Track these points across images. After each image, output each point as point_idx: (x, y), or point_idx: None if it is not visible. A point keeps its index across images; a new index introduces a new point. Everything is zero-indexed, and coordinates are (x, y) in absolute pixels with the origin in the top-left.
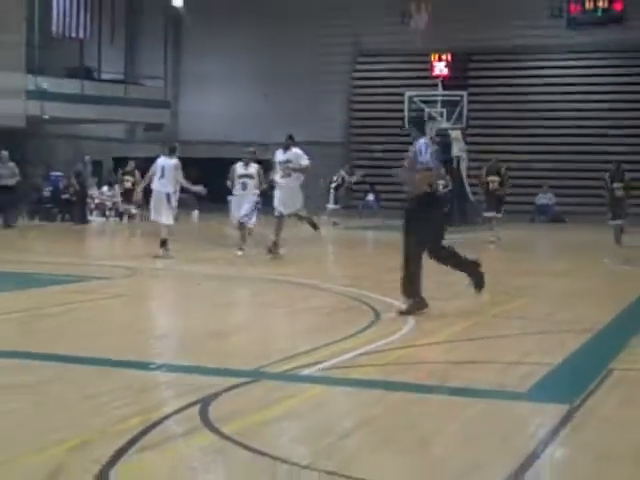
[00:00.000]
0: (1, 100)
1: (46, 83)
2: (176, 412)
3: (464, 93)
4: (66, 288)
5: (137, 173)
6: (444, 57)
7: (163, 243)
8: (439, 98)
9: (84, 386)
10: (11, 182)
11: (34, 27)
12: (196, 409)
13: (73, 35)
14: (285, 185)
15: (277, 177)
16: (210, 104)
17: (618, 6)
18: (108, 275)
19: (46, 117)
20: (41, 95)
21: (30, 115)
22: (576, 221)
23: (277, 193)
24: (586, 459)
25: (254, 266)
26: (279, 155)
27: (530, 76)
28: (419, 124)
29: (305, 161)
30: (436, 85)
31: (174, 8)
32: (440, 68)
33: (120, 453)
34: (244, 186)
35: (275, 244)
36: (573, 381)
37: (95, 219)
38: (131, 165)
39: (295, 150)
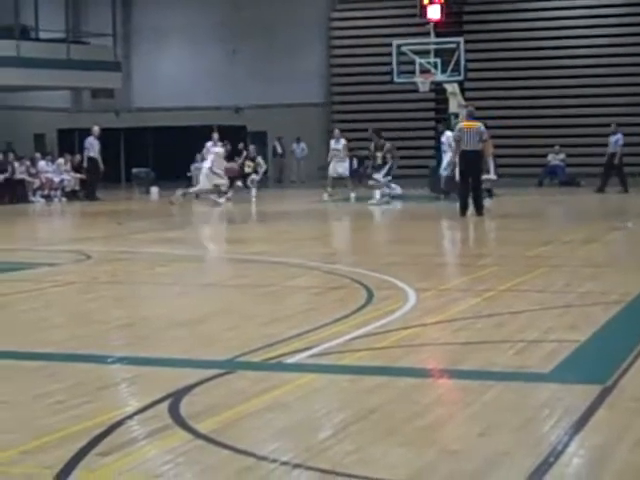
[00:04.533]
0: None
1: None
2: (142, 410)
3: (460, 40)
4: (11, 277)
5: None
6: None
7: None
8: (432, 47)
9: (36, 384)
10: None
11: None
12: (165, 406)
13: None
14: None
15: None
16: (168, 64)
17: None
18: (59, 261)
19: None
20: None
21: None
22: (592, 184)
23: None
24: (624, 446)
25: (227, 245)
26: None
27: (536, 19)
28: None
29: None
30: (428, 33)
31: None
32: (432, 11)
33: (78, 457)
34: None
35: None
36: (604, 359)
37: (39, 200)
38: None
39: None
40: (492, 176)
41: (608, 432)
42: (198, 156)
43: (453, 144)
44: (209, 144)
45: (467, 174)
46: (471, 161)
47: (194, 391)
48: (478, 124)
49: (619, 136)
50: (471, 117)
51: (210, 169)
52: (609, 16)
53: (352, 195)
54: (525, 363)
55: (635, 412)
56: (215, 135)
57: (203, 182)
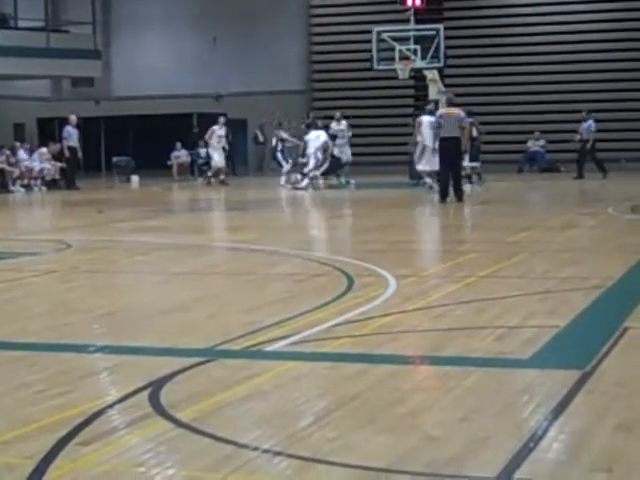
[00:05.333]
0: None
1: None
2: (122, 399)
3: (440, 26)
4: None
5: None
6: None
7: None
8: (412, 33)
9: (15, 374)
10: None
11: None
12: (145, 395)
13: None
14: None
15: None
16: (148, 52)
17: None
18: (39, 250)
19: None
20: None
21: None
22: (572, 170)
23: None
24: (603, 430)
25: (207, 233)
26: None
27: (515, 5)
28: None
29: None
30: (408, 20)
31: None
32: None
33: (59, 447)
34: None
35: None
36: (584, 344)
37: (19, 189)
38: None
39: None
40: (476, 163)
41: (587, 417)
42: (178, 144)
43: (425, 131)
44: (215, 127)
45: (447, 161)
46: (451, 148)
47: (174, 380)
48: (457, 111)
49: (591, 122)
50: (451, 103)
51: (319, 149)
52: (588, 2)
53: (352, 182)
54: (505, 349)
55: (614, 397)
56: (222, 119)
57: (318, 161)
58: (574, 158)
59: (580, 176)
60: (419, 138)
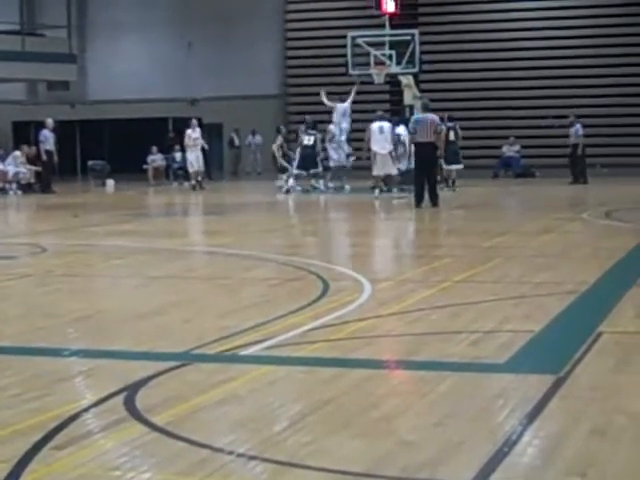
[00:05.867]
0: None
1: None
2: (97, 403)
3: (415, 32)
4: None
5: None
6: None
7: None
8: (387, 39)
9: None
10: None
11: None
12: (121, 399)
13: None
14: None
15: None
16: (123, 56)
17: None
18: (14, 254)
19: None
20: None
21: None
22: (547, 175)
23: None
24: (577, 435)
25: (183, 237)
26: None
27: (490, 11)
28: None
29: None
30: (383, 25)
31: None
32: (388, 4)
33: (34, 451)
34: None
35: None
36: (558, 348)
37: None
38: None
39: None
40: (458, 166)
41: (562, 421)
42: (154, 148)
43: (375, 137)
44: (189, 131)
45: (422, 166)
46: (426, 153)
47: (150, 384)
48: (432, 116)
49: (578, 126)
50: (426, 109)
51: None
52: (564, 8)
53: (347, 187)
54: (480, 353)
55: (588, 402)
56: (194, 121)
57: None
58: (549, 163)
59: (576, 181)
60: (372, 145)
